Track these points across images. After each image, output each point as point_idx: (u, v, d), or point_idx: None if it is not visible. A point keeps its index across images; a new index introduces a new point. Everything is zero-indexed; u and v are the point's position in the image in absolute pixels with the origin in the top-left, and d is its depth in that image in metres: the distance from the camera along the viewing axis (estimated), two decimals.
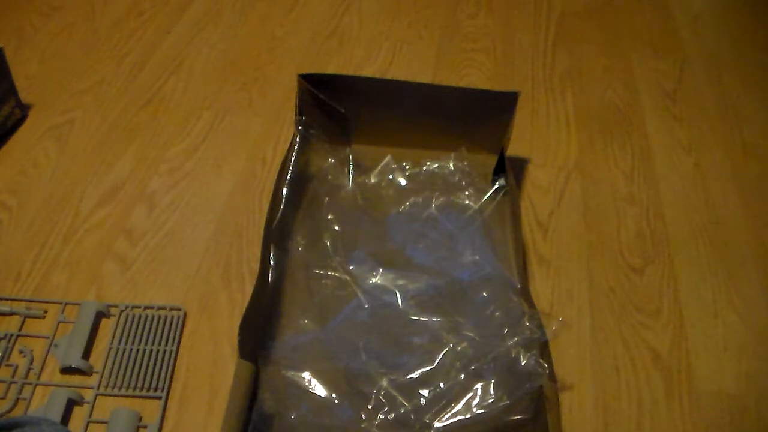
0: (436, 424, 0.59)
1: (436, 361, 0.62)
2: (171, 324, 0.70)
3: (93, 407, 0.64)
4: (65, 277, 0.75)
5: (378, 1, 1.17)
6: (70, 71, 1.01)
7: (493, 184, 0.79)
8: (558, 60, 1.06)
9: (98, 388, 0.65)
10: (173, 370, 0.67)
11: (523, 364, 0.60)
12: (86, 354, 0.67)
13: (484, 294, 0.68)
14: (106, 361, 0.67)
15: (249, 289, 0.73)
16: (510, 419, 0.59)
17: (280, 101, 0.97)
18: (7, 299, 0.72)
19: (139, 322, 0.70)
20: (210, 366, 0.68)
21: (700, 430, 0.65)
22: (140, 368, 0.66)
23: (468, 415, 0.59)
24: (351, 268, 0.71)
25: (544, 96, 1.00)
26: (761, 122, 0.97)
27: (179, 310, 0.72)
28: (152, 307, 0.72)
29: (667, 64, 1.06)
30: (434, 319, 0.66)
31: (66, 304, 0.72)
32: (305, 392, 0.61)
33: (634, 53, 1.08)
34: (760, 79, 1.04)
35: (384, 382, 0.61)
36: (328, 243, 0.74)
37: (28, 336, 0.69)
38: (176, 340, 0.69)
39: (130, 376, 0.66)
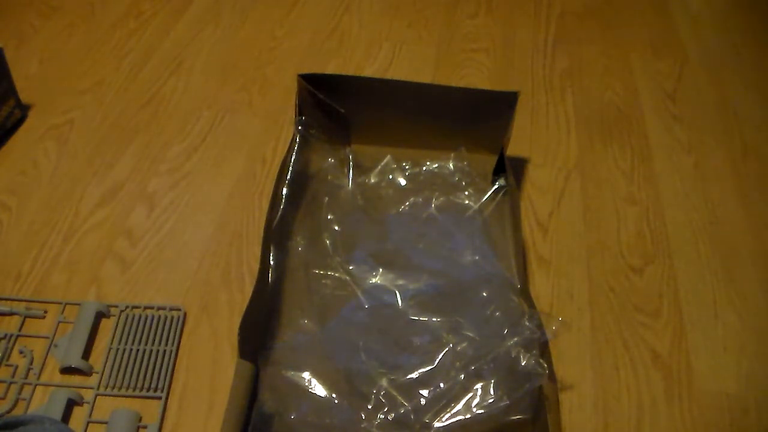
0: (436, 424, 0.59)
1: (436, 361, 0.62)
2: (171, 324, 0.70)
3: (93, 407, 0.64)
4: (65, 277, 0.75)
5: (378, 1, 1.17)
6: (70, 71, 1.01)
7: (493, 184, 0.79)
8: (558, 60, 1.06)
9: (98, 388, 0.65)
10: (173, 370, 0.67)
11: (523, 364, 0.60)
12: (86, 354, 0.67)
13: (484, 294, 0.68)
14: (106, 361, 0.67)
15: (249, 289, 0.73)
16: (510, 419, 0.59)
17: (280, 101, 0.97)
18: (7, 299, 0.72)
19: (138, 322, 0.70)
20: (210, 366, 0.68)
21: (700, 430, 0.65)
22: (140, 368, 0.66)
23: (468, 415, 0.59)
24: (351, 268, 0.71)
25: (544, 96, 1.00)
26: (761, 122, 0.97)
27: (179, 310, 0.72)
28: (152, 307, 0.72)
29: (667, 64, 1.06)
30: (434, 319, 0.66)
31: (66, 304, 0.72)
32: (305, 392, 0.61)
33: (634, 53, 1.08)
34: (760, 79, 1.04)
35: (384, 382, 0.61)
36: (327, 243, 0.74)
37: (28, 336, 0.69)
38: (176, 340, 0.69)
39: (130, 376, 0.66)
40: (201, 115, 0.95)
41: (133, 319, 0.70)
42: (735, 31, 1.14)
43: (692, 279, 0.77)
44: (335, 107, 0.82)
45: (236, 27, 1.10)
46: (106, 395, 0.65)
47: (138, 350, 0.68)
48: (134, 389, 0.65)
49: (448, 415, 0.59)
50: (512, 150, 0.88)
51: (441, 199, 0.79)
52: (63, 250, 0.78)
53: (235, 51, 1.06)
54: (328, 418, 0.60)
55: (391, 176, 0.82)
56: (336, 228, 0.75)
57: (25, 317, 0.71)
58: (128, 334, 0.69)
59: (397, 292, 0.69)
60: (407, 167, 0.83)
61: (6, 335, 0.69)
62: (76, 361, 0.66)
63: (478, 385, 0.60)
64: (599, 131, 0.95)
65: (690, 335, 0.72)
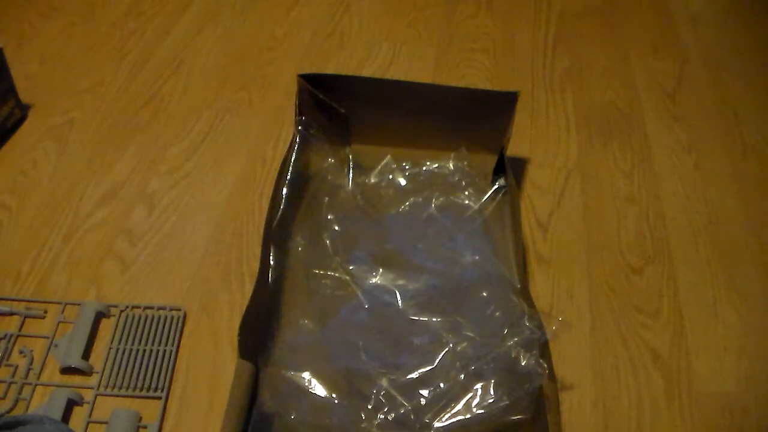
0: (436, 424, 0.59)
1: (436, 361, 0.62)
2: (171, 324, 0.70)
3: (93, 407, 0.64)
4: (65, 277, 0.75)
5: (378, 1, 1.17)
6: (70, 71, 1.01)
7: (493, 184, 0.79)
8: (558, 60, 1.06)
9: (98, 388, 0.65)
10: (173, 370, 0.67)
11: (523, 364, 0.60)
12: (86, 354, 0.67)
13: (484, 294, 0.68)
14: (106, 361, 0.67)
15: (249, 289, 0.73)
16: (510, 419, 0.59)
17: (280, 101, 0.97)
18: (7, 299, 0.72)
19: (139, 322, 0.70)
20: (210, 366, 0.68)
21: (700, 430, 0.65)
22: (140, 368, 0.66)
23: (468, 415, 0.59)
24: (351, 268, 0.71)
25: (544, 96, 1.00)
26: (761, 122, 0.97)
27: (179, 310, 0.72)
28: (152, 307, 0.72)
29: (667, 64, 1.06)
30: (434, 319, 0.66)
31: (66, 304, 0.72)
32: (305, 392, 0.61)
33: (634, 53, 1.08)
34: (760, 79, 1.04)
35: (384, 382, 0.61)
36: (328, 243, 0.74)
37: (28, 336, 0.69)
38: (176, 340, 0.69)
39: (130, 376, 0.66)
40: (201, 115, 0.95)
41: (133, 319, 0.70)
42: (735, 31, 1.14)
43: (692, 279, 0.77)
44: (335, 107, 0.82)
45: (236, 27, 1.10)
46: (106, 395, 0.65)
47: (138, 350, 0.68)
48: (134, 389, 0.65)
49: (448, 415, 0.59)
50: (512, 150, 0.88)
51: (441, 199, 0.79)
52: (63, 250, 0.78)
53: (235, 51, 1.06)
54: (328, 418, 0.60)
55: (391, 176, 0.82)
56: (336, 228, 0.75)
57: (25, 317, 0.71)
58: (128, 334, 0.69)
59: (397, 292, 0.69)
60: (407, 167, 0.83)
61: (6, 335, 0.69)
62: (76, 361, 0.66)
63: (478, 385, 0.60)
64: (599, 131, 0.95)
65: (690, 335, 0.72)
